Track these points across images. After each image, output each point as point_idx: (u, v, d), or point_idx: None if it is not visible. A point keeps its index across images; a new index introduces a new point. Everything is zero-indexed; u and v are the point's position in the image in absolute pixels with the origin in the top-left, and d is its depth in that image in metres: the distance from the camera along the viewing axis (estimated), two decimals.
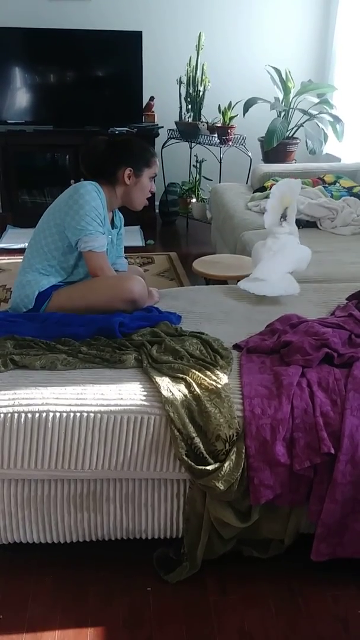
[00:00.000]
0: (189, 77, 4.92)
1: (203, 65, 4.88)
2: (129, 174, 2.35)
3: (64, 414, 1.70)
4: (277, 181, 4.26)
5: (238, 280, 3.02)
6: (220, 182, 4.80)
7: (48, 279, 2.31)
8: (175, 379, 1.81)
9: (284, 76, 4.97)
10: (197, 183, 5.29)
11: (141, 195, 2.43)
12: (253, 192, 4.29)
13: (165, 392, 1.74)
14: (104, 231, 2.33)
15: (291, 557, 1.83)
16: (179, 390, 1.77)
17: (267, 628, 1.66)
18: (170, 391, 1.75)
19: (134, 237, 4.94)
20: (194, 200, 5.26)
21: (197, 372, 1.83)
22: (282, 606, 1.73)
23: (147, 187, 2.42)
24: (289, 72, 4.98)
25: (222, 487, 1.66)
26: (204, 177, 5.23)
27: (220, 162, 4.84)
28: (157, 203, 5.35)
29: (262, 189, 4.27)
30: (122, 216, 2.59)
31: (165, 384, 1.78)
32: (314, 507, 1.74)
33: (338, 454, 1.70)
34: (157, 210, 5.38)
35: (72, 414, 1.70)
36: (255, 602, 1.74)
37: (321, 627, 1.67)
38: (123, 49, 5.02)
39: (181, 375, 1.82)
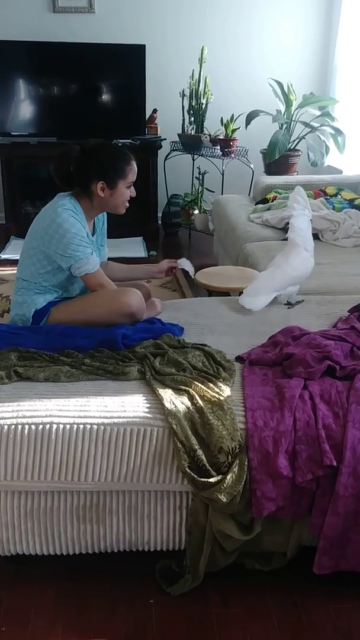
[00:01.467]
0: (192, 89, 4.95)
1: (206, 78, 4.92)
2: (102, 187, 2.27)
3: (68, 426, 1.71)
4: (280, 194, 4.29)
5: (240, 292, 3.04)
6: (222, 194, 4.83)
7: (44, 297, 2.31)
8: (178, 391, 1.82)
9: (285, 89, 5.01)
10: (200, 195, 5.31)
11: (119, 204, 2.35)
12: (255, 204, 4.31)
13: (168, 404, 1.75)
14: (92, 249, 2.28)
15: (294, 570, 1.83)
16: (182, 403, 1.78)
17: None
18: (173, 403, 1.76)
19: (137, 248, 4.96)
20: (196, 211, 5.29)
21: (199, 384, 1.84)
22: (285, 619, 1.73)
23: (125, 196, 2.33)
24: (291, 84, 5.01)
25: (224, 500, 1.66)
26: (207, 189, 5.26)
27: (223, 174, 4.87)
28: (159, 214, 5.37)
29: (264, 200, 4.29)
30: (102, 215, 2.51)
31: (168, 396, 1.79)
32: (316, 519, 1.74)
33: (340, 467, 1.71)
34: (159, 222, 5.40)
35: (75, 426, 1.71)
36: (258, 615, 1.74)
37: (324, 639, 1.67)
38: (126, 62, 5.06)
39: (184, 387, 1.83)
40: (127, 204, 2.38)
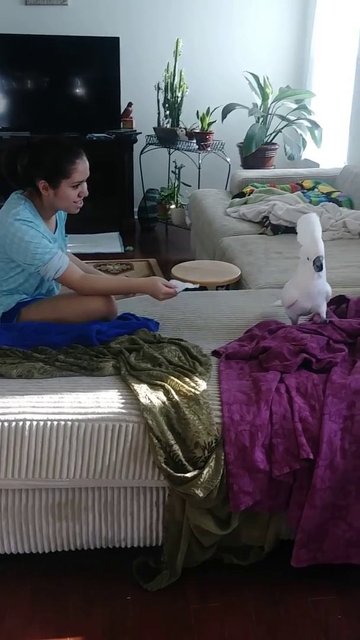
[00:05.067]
0: (167, 83, 4.93)
1: (181, 71, 4.89)
2: (45, 186, 2.12)
3: (41, 423, 1.69)
4: (256, 187, 4.29)
5: (217, 287, 3.03)
6: (199, 188, 4.81)
7: (12, 298, 2.21)
8: (153, 386, 1.81)
9: (262, 82, 5.00)
10: (176, 189, 5.29)
11: (67, 204, 2.17)
12: (232, 198, 4.31)
13: (143, 400, 1.73)
14: (56, 247, 2.17)
15: (272, 563, 1.82)
16: (157, 398, 1.76)
17: (248, 635, 1.65)
18: (149, 398, 1.74)
19: (113, 243, 4.93)
20: (173, 206, 5.27)
21: (175, 379, 1.83)
22: (263, 613, 1.72)
23: (70, 197, 2.15)
24: (267, 78, 5.01)
25: (201, 495, 1.65)
26: (183, 183, 5.24)
27: (199, 168, 4.85)
28: (136, 209, 5.34)
29: (241, 194, 4.29)
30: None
31: (143, 391, 1.77)
32: (293, 513, 1.74)
33: (317, 460, 1.70)
34: (136, 217, 5.37)
35: (49, 423, 1.69)
36: (236, 609, 1.73)
37: (302, 632, 1.67)
38: (100, 55, 5.01)
39: (159, 382, 1.81)
40: (80, 204, 2.21)
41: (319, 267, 2.04)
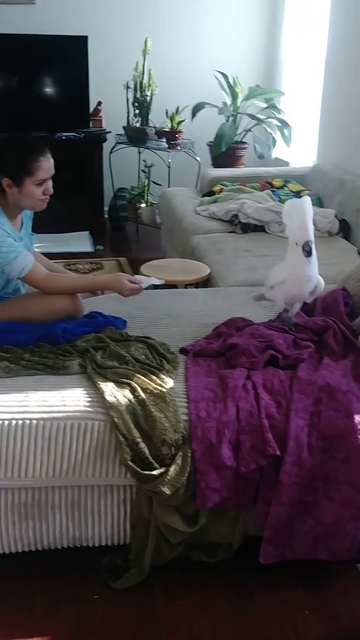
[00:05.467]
0: (136, 82, 4.91)
1: (150, 70, 4.88)
2: (9, 184, 2.09)
3: (6, 422, 1.67)
4: (226, 186, 4.30)
5: (187, 285, 3.03)
6: (169, 187, 4.81)
7: None
8: (119, 384, 1.80)
9: (231, 81, 5.01)
10: (146, 188, 5.28)
11: (31, 202, 2.14)
12: (202, 197, 4.31)
13: (109, 398, 1.72)
14: (21, 246, 2.14)
15: (240, 560, 1.82)
16: (124, 396, 1.75)
17: (216, 633, 1.65)
18: (115, 396, 1.73)
19: (83, 242, 4.89)
20: (143, 205, 5.25)
21: (142, 377, 1.82)
22: (231, 610, 1.73)
23: (35, 194, 2.11)
24: (237, 77, 5.02)
25: (168, 492, 1.65)
26: (153, 182, 5.23)
27: (169, 167, 4.84)
28: (106, 208, 5.31)
29: (211, 193, 4.29)
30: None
31: (109, 389, 1.76)
32: (261, 509, 1.74)
33: (284, 456, 1.71)
34: (106, 216, 5.34)
35: (14, 422, 1.67)
36: (204, 606, 1.73)
37: (270, 629, 1.67)
38: (69, 54, 4.97)
39: (126, 380, 1.80)
40: (45, 202, 2.17)
41: (308, 252, 1.99)
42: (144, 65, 4.87)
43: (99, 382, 1.78)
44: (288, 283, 2.09)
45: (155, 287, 2.39)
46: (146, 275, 2.48)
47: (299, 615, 1.71)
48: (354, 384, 1.81)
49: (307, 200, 2.01)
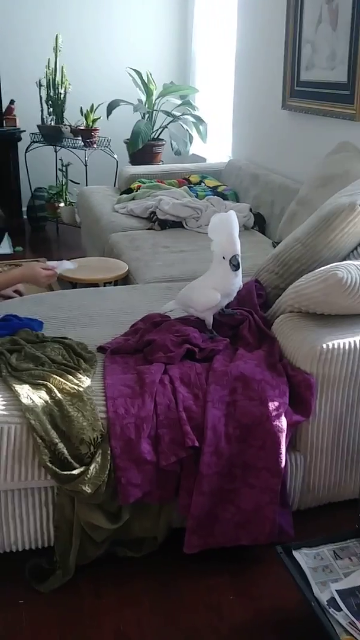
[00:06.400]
0: (49, 79, 4.85)
1: (62, 67, 4.84)
2: None
3: None
4: (143, 183, 4.31)
5: (105, 283, 3.02)
6: (87, 186, 4.78)
7: None
8: (35, 385, 1.78)
9: (145, 78, 5.03)
10: (64, 187, 5.23)
11: None
12: (120, 194, 4.31)
13: (25, 400, 1.70)
14: None
15: (165, 553, 1.84)
16: (40, 397, 1.73)
17: (143, 625, 1.67)
18: (30, 398, 1.72)
19: (1, 244, 4.79)
20: (62, 204, 5.20)
21: (58, 377, 1.81)
22: (157, 602, 1.74)
23: None
24: (150, 74, 5.04)
25: (89, 491, 1.65)
26: (71, 181, 5.19)
27: (86, 165, 4.81)
28: (24, 209, 5.23)
29: (129, 190, 4.30)
30: None
31: (24, 391, 1.74)
32: (183, 501, 1.77)
33: (202, 447, 1.73)
34: (25, 216, 5.26)
35: None
36: (130, 601, 1.74)
37: (196, 617, 1.70)
38: None
39: (42, 382, 1.79)
40: None
41: (235, 267, 2.00)
42: (56, 63, 4.82)
43: (14, 385, 1.76)
44: (221, 300, 2.06)
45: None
46: (59, 260, 2.46)
47: (224, 601, 1.74)
48: (267, 372, 1.86)
49: (233, 214, 2.03)
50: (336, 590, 1.48)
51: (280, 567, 1.63)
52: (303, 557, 1.59)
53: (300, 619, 1.67)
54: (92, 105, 4.80)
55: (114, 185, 4.88)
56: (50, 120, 4.96)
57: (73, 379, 1.83)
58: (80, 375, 1.85)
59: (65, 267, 2.31)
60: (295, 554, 1.60)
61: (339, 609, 1.43)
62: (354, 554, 1.61)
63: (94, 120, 4.81)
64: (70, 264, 2.37)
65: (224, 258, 2.02)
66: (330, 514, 2.01)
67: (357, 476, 1.97)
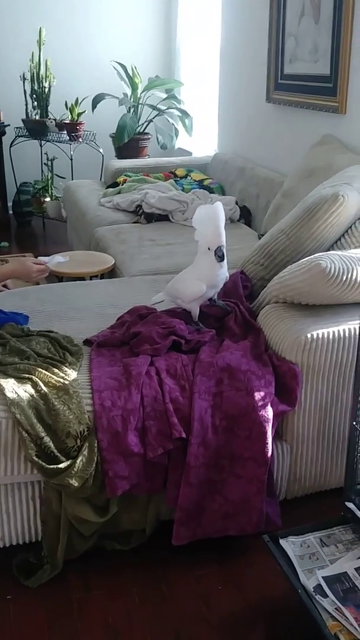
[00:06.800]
0: (33, 73, 4.82)
1: (46, 61, 4.81)
2: None
3: None
4: (129, 177, 4.29)
5: (91, 277, 3.02)
6: (72, 180, 4.76)
7: None
8: (20, 379, 1.77)
9: (130, 72, 5.00)
10: (50, 181, 5.20)
11: None
12: (106, 188, 4.29)
13: (10, 394, 1.70)
14: None
15: (154, 545, 1.85)
16: (25, 391, 1.73)
17: (132, 617, 1.67)
18: (16, 392, 1.71)
19: None
20: (48, 199, 5.18)
21: (43, 371, 1.80)
22: (146, 594, 1.74)
23: None
24: (135, 67, 5.02)
25: (76, 484, 1.64)
26: (57, 175, 5.16)
27: (72, 160, 4.79)
28: (10, 204, 5.20)
29: (115, 184, 4.28)
30: None
31: (9, 385, 1.73)
32: (170, 492, 1.77)
33: (190, 438, 1.74)
34: (10, 211, 5.23)
35: None
36: (119, 593, 1.74)
37: (185, 608, 1.70)
38: None
39: (27, 376, 1.78)
40: None
41: (220, 257, 2.00)
42: (39, 56, 4.79)
43: None
44: (207, 290, 2.06)
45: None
46: (50, 255, 2.46)
47: (212, 591, 1.75)
48: (253, 363, 1.86)
49: (219, 206, 2.02)
50: (322, 577, 1.49)
51: (267, 556, 1.64)
52: (290, 545, 1.60)
53: (287, 607, 1.69)
54: (77, 99, 4.78)
55: (100, 179, 4.87)
56: (35, 114, 4.93)
57: (59, 372, 1.82)
58: (66, 369, 1.85)
59: (57, 261, 2.31)
60: (282, 542, 1.61)
61: (325, 596, 1.44)
62: (339, 540, 1.62)
63: (79, 114, 4.79)
64: (62, 257, 2.36)
65: (209, 249, 2.02)
66: (317, 503, 2.02)
67: (342, 464, 1.98)
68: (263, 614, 1.70)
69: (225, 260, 2.03)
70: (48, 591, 1.73)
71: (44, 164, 5.17)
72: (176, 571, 1.82)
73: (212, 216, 2.00)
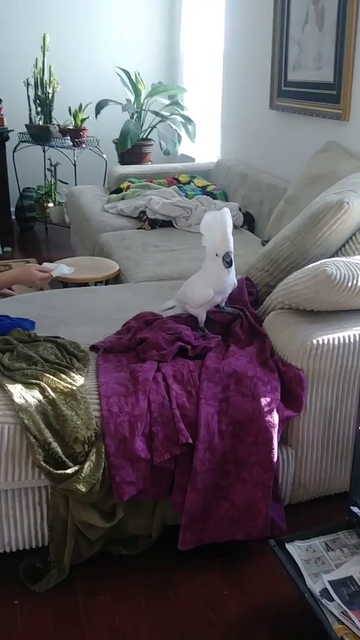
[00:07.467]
0: (37, 79, 4.85)
1: (50, 66, 4.83)
2: None
3: None
4: (133, 182, 4.31)
5: (96, 282, 3.03)
6: (76, 185, 4.78)
7: None
8: (28, 385, 1.78)
9: (133, 78, 5.03)
10: (53, 187, 5.22)
11: None
12: (109, 194, 4.31)
13: (18, 400, 1.71)
14: None
15: (160, 550, 1.85)
16: (33, 396, 1.74)
17: (138, 621, 1.68)
18: (24, 398, 1.72)
19: None
20: (51, 204, 5.20)
21: (51, 377, 1.81)
22: (152, 599, 1.75)
23: None
24: (139, 73, 5.04)
25: (83, 489, 1.65)
26: (60, 181, 5.18)
27: (75, 165, 4.81)
28: (13, 209, 5.22)
29: (118, 190, 4.30)
30: None
31: (17, 391, 1.74)
32: (177, 498, 1.78)
33: (196, 443, 1.75)
34: (13, 217, 5.25)
35: None
36: (125, 598, 1.75)
37: (190, 612, 1.71)
38: None
39: (35, 381, 1.79)
40: None
41: (228, 263, 2.01)
42: (43, 62, 4.82)
43: (7, 385, 1.77)
44: (215, 296, 2.07)
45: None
46: (55, 263, 2.47)
47: (218, 596, 1.76)
48: (259, 368, 1.87)
49: (227, 212, 2.03)
50: (328, 581, 1.50)
51: (273, 561, 1.64)
52: (296, 549, 1.61)
53: (293, 611, 1.69)
54: (81, 105, 4.80)
55: (103, 185, 4.89)
56: (39, 120, 4.96)
57: (66, 377, 1.83)
58: (73, 374, 1.86)
59: (62, 271, 2.31)
60: (288, 546, 1.62)
61: (332, 599, 1.45)
62: (345, 545, 1.63)
63: (83, 120, 4.81)
64: (67, 268, 2.36)
65: (217, 255, 2.03)
66: (321, 507, 2.03)
67: (346, 469, 1.99)
68: (268, 618, 1.71)
69: (233, 266, 2.05)
70: (55, 596, 1.74)
71: (47, 169, 5.20)
72: (182, 576, 1.83)
73: (220, 222, 2.01)
